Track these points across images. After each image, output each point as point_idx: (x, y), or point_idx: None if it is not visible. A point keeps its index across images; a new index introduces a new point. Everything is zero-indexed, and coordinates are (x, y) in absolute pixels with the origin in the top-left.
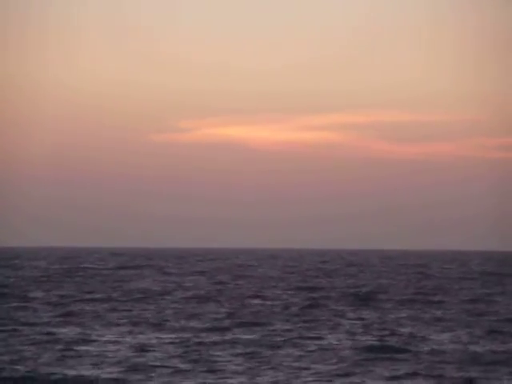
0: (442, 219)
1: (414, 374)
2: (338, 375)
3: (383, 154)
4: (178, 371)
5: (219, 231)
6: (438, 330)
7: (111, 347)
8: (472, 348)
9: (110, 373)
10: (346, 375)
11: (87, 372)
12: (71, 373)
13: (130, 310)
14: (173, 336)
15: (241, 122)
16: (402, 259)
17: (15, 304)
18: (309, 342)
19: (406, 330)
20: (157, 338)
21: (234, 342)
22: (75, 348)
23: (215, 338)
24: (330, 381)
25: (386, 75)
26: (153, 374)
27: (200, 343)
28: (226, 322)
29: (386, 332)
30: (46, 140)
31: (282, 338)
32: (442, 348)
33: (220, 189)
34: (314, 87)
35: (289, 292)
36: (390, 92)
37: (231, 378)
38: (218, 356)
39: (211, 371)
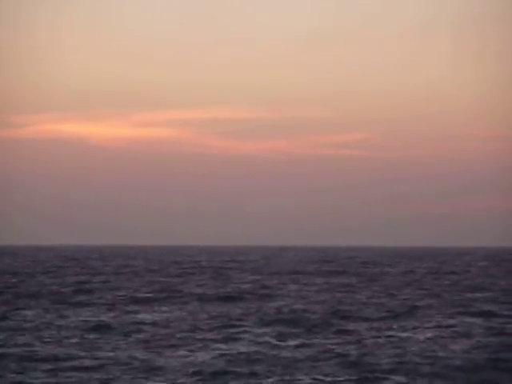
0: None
1: None
2: None
3: (220, 150)
4: None
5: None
6: None
7: None
8: None
9: None
10: None
11: None
12: None
13: None
14: None
15: (76, 118)
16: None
17: None
18: None
19: None
20: None
21: None
22: None
23: None
24: None
25: (226, 73)
26: None
27: None
28: None
29: None
30: None
31: None
32: None
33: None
34: (152, 83)
35: None
36: (229, 89)
37: None
38: None
39: None
